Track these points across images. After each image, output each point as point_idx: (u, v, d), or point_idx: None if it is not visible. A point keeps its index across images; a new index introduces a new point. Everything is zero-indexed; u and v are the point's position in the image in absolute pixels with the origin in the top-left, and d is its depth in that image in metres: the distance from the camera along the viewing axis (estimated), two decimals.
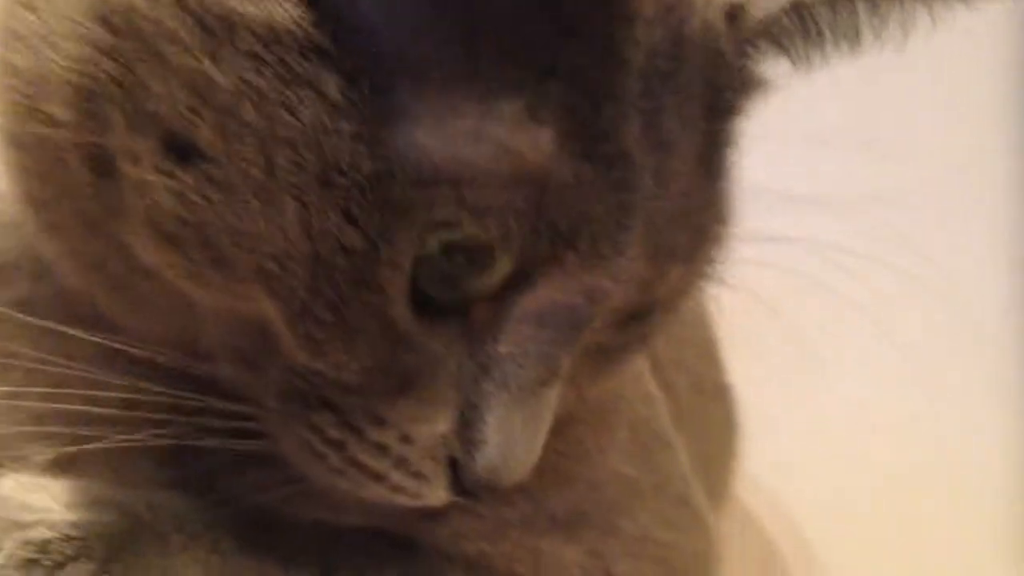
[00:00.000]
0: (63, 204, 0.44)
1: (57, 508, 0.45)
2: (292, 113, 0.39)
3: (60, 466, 0.50)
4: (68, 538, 0.44)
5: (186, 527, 0.47)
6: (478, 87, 0.40)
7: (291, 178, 0.39)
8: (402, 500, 0.47)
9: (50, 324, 0.49)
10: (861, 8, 0.48)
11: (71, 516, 0.45)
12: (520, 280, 0.43)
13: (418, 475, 0.46)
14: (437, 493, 0.47)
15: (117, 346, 0.47)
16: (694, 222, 0.47)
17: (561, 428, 0.57)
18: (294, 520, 0.51)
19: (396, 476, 0.46)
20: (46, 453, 0.50)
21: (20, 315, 0.50)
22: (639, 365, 0.69)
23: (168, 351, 0.47)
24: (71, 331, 0.48)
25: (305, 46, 0.39)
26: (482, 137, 0.40)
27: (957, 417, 1.23)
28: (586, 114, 0.41)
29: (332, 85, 0.39)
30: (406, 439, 0.45)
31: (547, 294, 0.44)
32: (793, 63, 0.50)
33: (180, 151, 0.40)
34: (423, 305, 0.43)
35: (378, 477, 0.46)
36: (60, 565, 0.44)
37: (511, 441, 0.45)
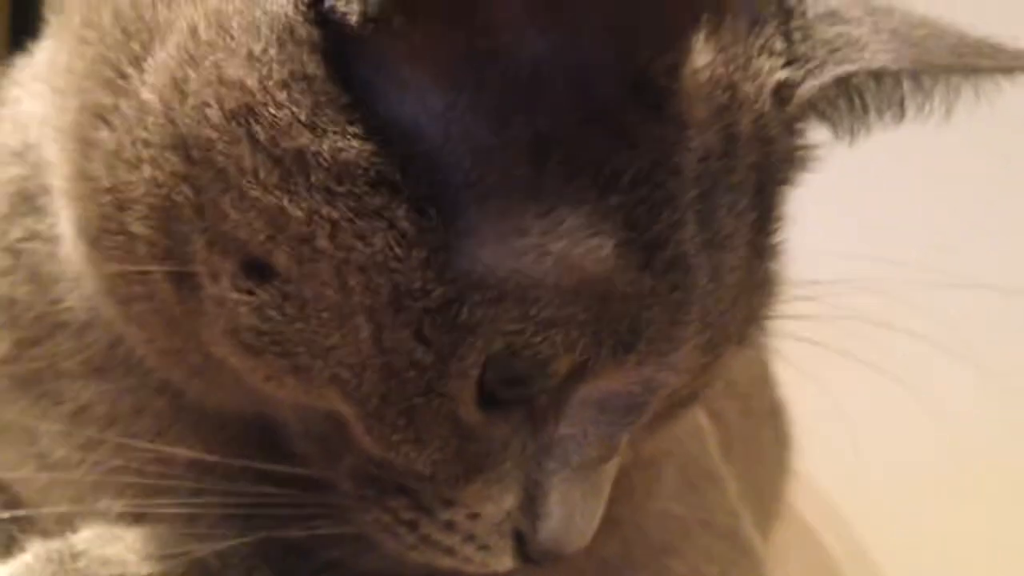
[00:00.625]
0: (144, 304, 0.46)
1: (133, 560, 0.48)
2: (364, 241, 0.40)
3: (133, 518, 0.53)
4: None
5: (254, 574, 0.50)
6: (541, 203, 0.41)
7: (364, 301, 0.41)
8: (471, 570, 0.49)
9: (126, 384, 0.52)
10: (905, 82, 0.49)
11: (146, 569, 0.47)
12: (581, 374, 0.45)
13: (485, 548, 0.48)
14: (503, 562, 0.49)
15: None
16: (747, 304, 0.49)
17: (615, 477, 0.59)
18: (364, 572, 0.54)
19: (465, 550, 0.48)
20: (117, 505, 0.53)
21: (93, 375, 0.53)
22: None
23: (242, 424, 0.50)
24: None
25: (374, 179, 0.40)
26: (545, 252, 0.41)
27: (1020, 421, 1.22)
28: (644, 223, 0.43)
29: (401, 215, 0.40)
30: (474, 516, 0.48)
31: (606, 385, 0.46)
32: (836, 135, 0.51)
33: (258, 272, 0.42)
34: (489, 401, 0.45)
35: (448, 551, 0.48)
36: None
37: (572, 514, 0.47)
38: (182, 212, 0.42)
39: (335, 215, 0.40)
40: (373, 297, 0.41)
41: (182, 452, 0.51)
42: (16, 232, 0.53)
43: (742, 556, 0.69)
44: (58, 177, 0.49)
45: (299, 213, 0.41)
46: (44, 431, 0.54)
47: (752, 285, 0.49)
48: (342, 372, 0.43)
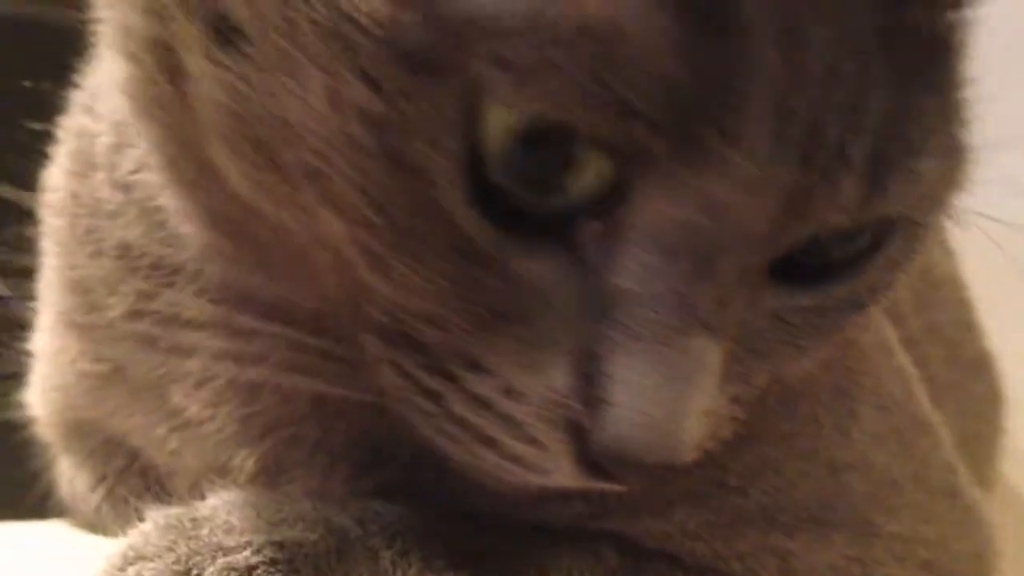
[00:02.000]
0: (168, 136, 0.42)
1: (263, 527, 0.43)
2: None
3: (267, 474, 0.48)
4: (273, 562, 0.41)
5: (396, 542, 0.44)
6: None
7: (309, 41, 0.34)
8: (521, 475, 0.39)
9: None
10: None
11: (277, 536, 0.42)
12: (621, 191, 0.35)
13: (534, 441, 0.38)
14: (561, 466, 0.39)
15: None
16: (878, 123, 0.36)
17: (792, 404, 0.50)
18: (507, 525, 0.47)
19: (507, 441, 0.38)
20: (251, 460, 0.48)
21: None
22: (886, 337, 0.61)
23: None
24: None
25: None
26: None
27: None
28: None
29: None
30: (511, 392, 0.38)
31: (656, 207, 0.35)
32: None
33: (227, 38, 0.36)
34: (509, 215, 0.36)
35: (486, 440, 0.39)
36: None
37: (645, 403, 0.36)
38: None
39: None
40: (317, 33, 0.34)
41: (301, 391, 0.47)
42: (127, 164, 0.49)
43: (964, 517, 0.59)
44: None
45: None
46: (174, 389, 0.50)
47: (885, 94, 0.36)
48: (310, 157, 0.36)
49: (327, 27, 0.34)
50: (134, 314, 0.51)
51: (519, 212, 0.36)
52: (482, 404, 0.38)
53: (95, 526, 0.58)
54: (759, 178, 0.35)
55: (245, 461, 0.48)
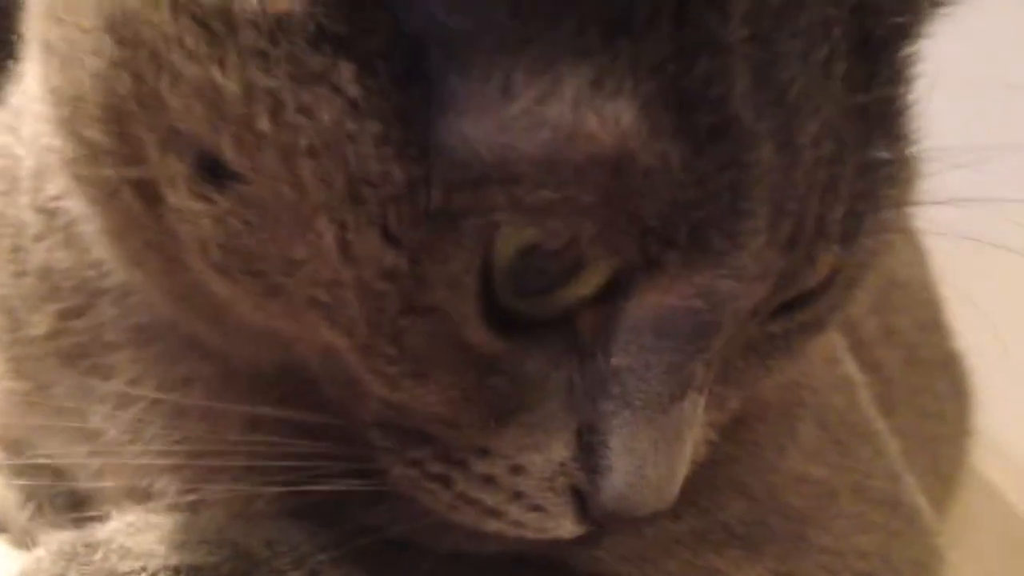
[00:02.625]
0: (133, 235, 0.41)
1: (160, 551, 0.42)
2: (308, 116, 0.33)
3: (189, 500, 0.48)
4: None
5: (307, 563, 0.44)
6: (530, 58, 0.33)
7: (321, 195, 0.34)
8: (529, 535, 0.41)
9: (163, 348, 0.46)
10: None
11: (174, 560, 0.42)
12: (621, 286, 0.37)
13: (539, 509, 0.40)
14: (564, 527, 0.41)
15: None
16: (849, 191, 0.38)
17: (733, 431, 0.50)
18: (433, 552, 0.46)
19: (514, 511, 0.40)
20: (173, 486, 0.48)
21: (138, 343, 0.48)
22: (831, 347, 0.60)
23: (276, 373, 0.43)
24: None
25: (314, 34, 0.33)
26: (540, 121, 0.33)
27: None
28: (673, 75, 0.33)
29: (348, 77, 0.33)
30: (517, 470, 0.40)
31: (656, 299, 0.37)
32: None
33: (213, 173, 0.36)
34: (512, 322, 0.37)
35: (494, 513, 0.41)
36: None
37: (642, 465, 0.39)
38: (128, 107, 0.36)
39: (273, 85, 0.33)
40: (329, 190, 0.34)
41: (233, 414, 0.46)
42: (50, 189, 0.49)
43: (906, 526, 0.58)
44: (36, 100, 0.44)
45: (233, 87, 0.34)
46: (94, 410, 0.50)
47: (858, 164, 0.38)
48: (318, 292, 0.36)
49: (340, 185, 0.34)
50: (55, 334, 0.50)
51: (522, 318, 0.37)
52: (489, 482, 0.40)
53: (24, 544, 0.58)
54: (755, 267, 0.37)
55: (167, 487, 0.48)
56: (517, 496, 0.40)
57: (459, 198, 0.33)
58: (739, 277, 0.37)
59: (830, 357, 0.60)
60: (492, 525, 0.41)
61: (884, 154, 0.39)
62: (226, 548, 0.43)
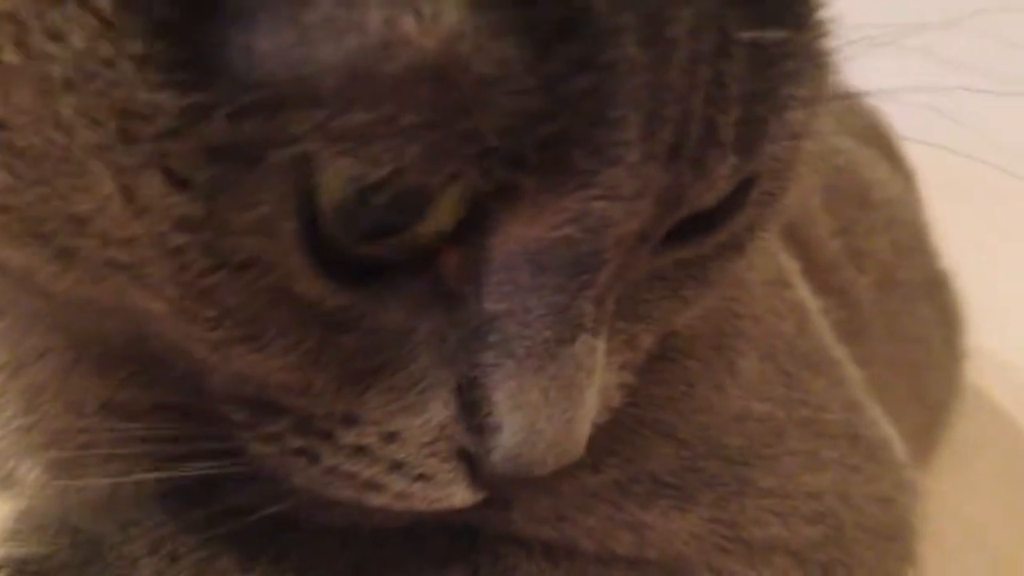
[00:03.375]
0: None
1: None
2: (59, 42, 0.28)
3: (54, 484, 0.44)
4: None
5: (164, 547, 0.40)
6: None
7: (89, 135, 0.29)
8: (419, 507, 0.37)
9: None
10: None
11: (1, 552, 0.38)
12: (482, 219, 0.32)
13: (424, 478, 0.36)
14: (456, 495, 0.37)
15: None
16: (741, 90, 0.33)
17: (659, 371, 0.45)
18: (319, 527, 0.42)
19: (396, 482, 0.36)
20: (36, 470, 0.44)
21: None
22: (776, 269, 0.55)
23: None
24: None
25: None
26: (344, 26, 0.28)
27: None
28: None
29: None
30: (392, 437, 0.35)
31: (522, 231, 0.32)
32: None
33: None
34: (357, 270, 0.32)
35: (374, 486, 0.36)
36: None
37: (534, 420, 0.34)
38: None
39: (8, 6, 0.28)
40: (97, 128, 0.29)
41: (90, 393, 0.42)
42: None
43: (867, 460, 0.53)
44: None
45: None
46: None
47: (745, 54, 0.32)
48: (114, 252, 0.31)
49: (107, 124, 0.29)
50: None
51: (365, 261, 0.32)
52: (361, 453, 0.36)
53: None
54: (632, 184, 0.32)
55: (29, 472, 0.44)
56: (396, 466, 0.36)
57: (251, 127, 0.28)
58: (614, 197, 0.32)
59: (775, 280, 0.55)
60: (374, 499, 0.37)
61: (781, 37, 0.33)
62: (65, 535, 0.40)
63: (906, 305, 0.74)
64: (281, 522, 0.40)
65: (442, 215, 0.31)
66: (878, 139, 0.83)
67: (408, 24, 0.28)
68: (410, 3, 0.28)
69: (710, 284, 0.41)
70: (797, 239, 0.63)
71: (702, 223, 0.37)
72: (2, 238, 0.33)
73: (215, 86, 0.28)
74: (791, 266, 0.58)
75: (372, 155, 0.29)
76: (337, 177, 0.30)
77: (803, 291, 0.57)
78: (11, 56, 0.29)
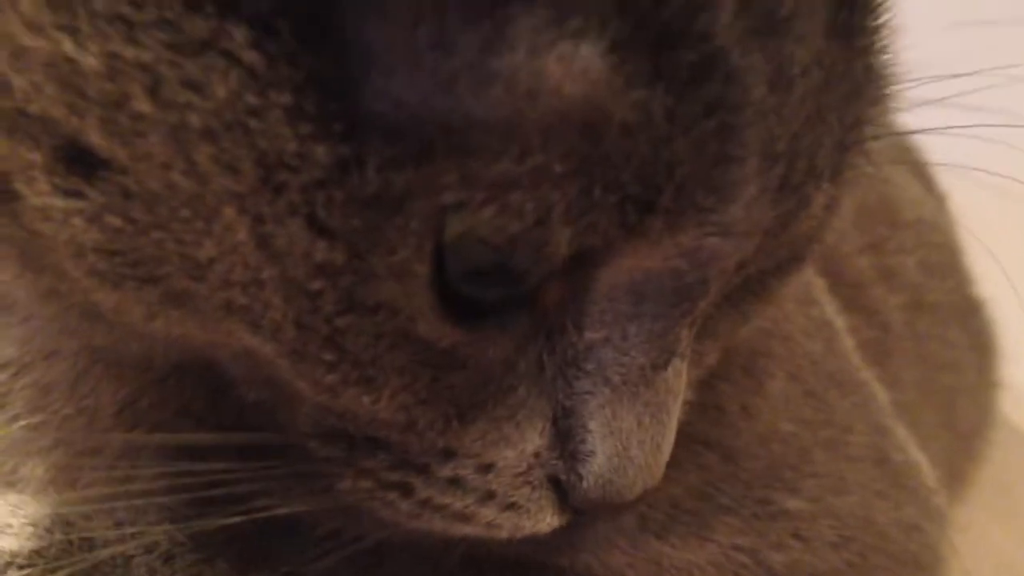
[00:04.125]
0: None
1: None
2: (197, 92, 0.28)
3: (59, 484, 0.43)
4: None
5: (160, 547, 0.39)
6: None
7: (226, 183, 0.29)
8: (504, 535, 0.37)
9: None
10: None
11: (15, 544, 0.37)
12: (592, 255, 0.32)
13: (514, 507, 0.36)
14: (543, 521, 0.37)
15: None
16: (836, 119, 0.33)
17: (697, 392, 0.44)
18: (328, 535, 0.41)
19: (485, 513, 0.36)
20: (40, 469, 0.43)
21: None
22: (806, 287, 0.54)
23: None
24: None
25: None
26: (489, 74, 0.27)
27: None
28: (646, 8, 0.28)
29: (241, 41, 0.27)
30: (487, 468, 0.35)
31: (633, 264, 0.32)
32: None
33: (80, 162, 0.30)
34: (467, 310, 0.32)
35: (463, 517, 0.36)
36: None
37: (627, 446, 0.35)
38: None
39: (145, 57, 0.28)
40: (236, 176, 0.28)
41: (106, 398, 0.41)
42: None
43: (892, 486, 0.51)
44: None
45: (92, 61, 0.28)
46: None
47: (843, 87, 0.33)
48: (234, 295, 0.31)
49: (248, 173, 0.29)
50: None
51: (479, 302, 0.32)
52: (455, 485, 0.36)
53: None
54: (745, 220, 0.32)
55: (34, 471, 0.43)
56: (489, 496, 0.36)
57: (401, 177, 0.28)
58: (727, 234, 0.32)
59: (804, 298, 0.53)
60: (462, 529, 0.36)
61: (868, 73, 0.35)
62: (57, 532, 0.39)
63: (936, 329, 0.72)
64: (280, 525, 0.39)
65: (558, 255, 0.31)
66: (909, 159, 0.81)
67: (553, 71, 0.27)
68: (554, 49, 0.27)
69: (770, 299, 0.41)
70: (822, 254, 0.61)
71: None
72: (101, 280, 0.32)
73: (364, 137, 0.28)
74: (817, 282, 0.56)
75: (516, 205, 0.29)
76: (469, 223, 0.29)
77: (829, 309, 0.56)
78: (143, 105, 0.28)
